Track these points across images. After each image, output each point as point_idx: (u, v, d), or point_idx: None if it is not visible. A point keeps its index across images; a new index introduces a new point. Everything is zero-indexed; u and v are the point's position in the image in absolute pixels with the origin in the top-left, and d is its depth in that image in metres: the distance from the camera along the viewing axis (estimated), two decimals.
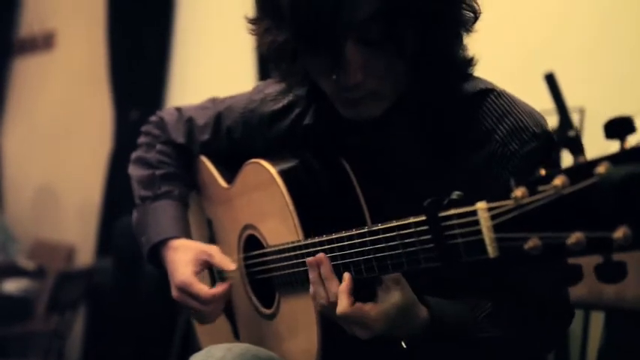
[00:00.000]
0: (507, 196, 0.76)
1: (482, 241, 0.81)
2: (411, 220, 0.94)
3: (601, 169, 0.66)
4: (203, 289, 1.30)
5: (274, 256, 1.24)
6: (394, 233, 0.97)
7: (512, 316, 1.15)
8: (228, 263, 1.34)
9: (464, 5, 1.10)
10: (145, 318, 3.23)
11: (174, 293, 1.33)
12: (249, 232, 1.35)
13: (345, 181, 1.22)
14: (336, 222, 1.11)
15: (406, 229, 0.95)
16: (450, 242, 0.87)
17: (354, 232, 1.05)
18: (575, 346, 1.88)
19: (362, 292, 1.05)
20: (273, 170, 1.24)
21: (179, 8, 3.92)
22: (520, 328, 1.15)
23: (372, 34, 1.05)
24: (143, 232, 1.43)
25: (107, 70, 4.11)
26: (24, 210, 4.85)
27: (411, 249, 0.95)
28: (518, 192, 0.75)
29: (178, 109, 1.53)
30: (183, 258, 1.34)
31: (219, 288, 1.31)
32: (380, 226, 1.00)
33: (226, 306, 1.38)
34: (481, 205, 0.81)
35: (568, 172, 0.70)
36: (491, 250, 0.81)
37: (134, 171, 1.51)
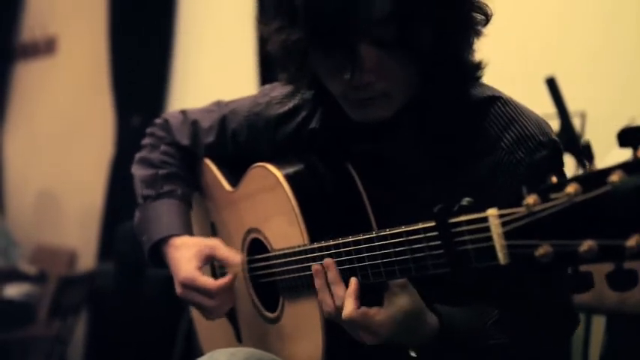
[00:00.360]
0: (519, 203, 0.76)
1: (492, 248, 0.81)
2: (420, 225, 0.94)
3: (614, 177, 0.67)
4: (208, 281, 1.29)
5: (279, 260, 1.24)
6: (402, 239, 0.97)
7: (518, 323, 1.15)
8: (233, 255, 1.32)
9: (475, 7, 1.11)
10: (147, 322, 3.23)
11: (179, 290, 1.32)
12: (253, 235, 1.35)
13: (350, 186, 1.22)
14: (341, 227, 1.11)
15: (415, 235, 0.95)
16: (459, 248, 0.87)
17: (361, 236, 1.04)
18: (577, 351, 1.88)
19: (368, 296, 1.05)
20: (279, 174, 1.24)
21: (180, 14, 3.93)
22: (527, 335, 1.15)
23: (385, 35, 1.06)
24: (144, 231, 1.42)
25: (109, 75, 4.12)
26: (25, 215, 4.86)
27: (420, 254, 0.95)
28: (530, 199, 0.75)
29: (183, 112, 1.53)
30: (186, 254, 1.32)
31: (226, 279, 1.30)
32: (388, 232, 1.00)
33: (229, 309, 1.37)
34: (492, 212, 0.81)
35: (581, 180, 0.70)
36: (501, 257, 0.81)
37: (137, 170, 1.51)
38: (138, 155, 1.53)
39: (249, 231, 1.36)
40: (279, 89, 1.39)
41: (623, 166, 0.67)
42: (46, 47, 4.78)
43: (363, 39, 1.06)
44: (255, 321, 1.38)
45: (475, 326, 1.11)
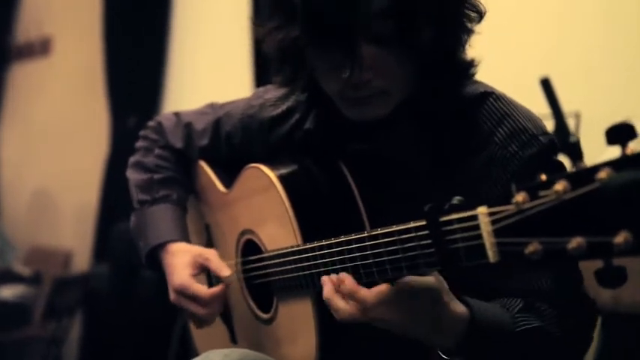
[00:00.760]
0: (508, 201, 0.77)
1: (482, 246, 0.82)
2: (412, 224, 0.94)
3: (602, 174, 0.67)
4: (201, 289, 1.30)
5: (273, 261, 1.24)
6: (394, 238, 0.97)
7: (545, 311, 1.12)
8: (223, 269, 1.33)
9: (469, 5, 1.11)
10: (142, 324, 3.23)
11: (172, 296, 1.33)
12: (247, 236, 1.35)
13: (343, 186, 1.22)
14: (335, 227, 1.11)
15: (406, 234, 0.95)
16: (450, 247, 0.87)
17: (353, 236, 1.04)
18: None
19: None
20: (272, 175, 1.24)
21: (176, 15, 3.92)
22: (555, 323, 1.12)
23: (384, 31, 1.06)
24: (141, 236, 1.43)
25: (104, 75, 4.12)
26: (20, 216, 4.85)
27: (411, 253, 0.95)
28: (519, 197, 0.75)
29: (177, 114, 1.53)
30: (181, 261, 1.34)
31: (218, 288, 1.31)
32: (379, 231, 1.00)
33: (223, 311, 1.38)
34: (482, 210, 0.81)
35: (569, 177, 0.71)
36: (491, 255, 0.81)
37: (132, 175, 1.51)
38: (132, 159, 1.53)
39: (243, 232, 1.36)
40: (272, 92, 1.39)
41: (611, 164, 0.67)
42: (41, 48, 4.77)
43: (361, 36, 1.06)
44: (249, 322, 1.38)
45: (504, 317, 1.08)
